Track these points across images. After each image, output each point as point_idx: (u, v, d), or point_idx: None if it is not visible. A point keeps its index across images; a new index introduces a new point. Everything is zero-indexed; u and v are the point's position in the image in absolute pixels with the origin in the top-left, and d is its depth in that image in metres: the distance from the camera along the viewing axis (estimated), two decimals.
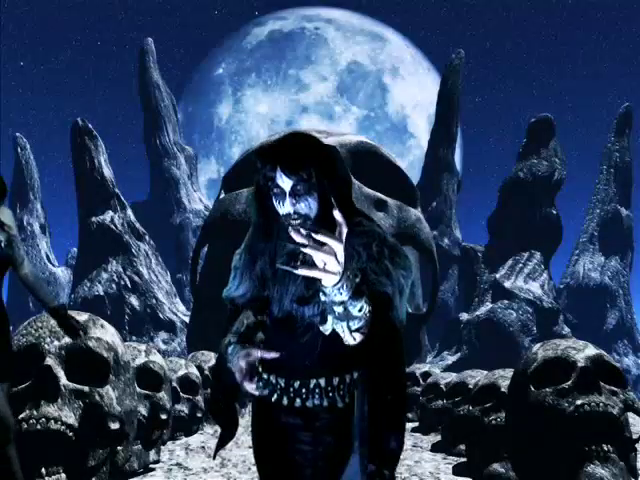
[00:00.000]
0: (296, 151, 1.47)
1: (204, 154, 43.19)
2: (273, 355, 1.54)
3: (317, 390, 1.54)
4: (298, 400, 1.55)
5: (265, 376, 1.60)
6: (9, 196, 26.12)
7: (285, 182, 1.45)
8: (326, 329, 1.40)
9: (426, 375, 7.77)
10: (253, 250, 1.65)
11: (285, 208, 1.48)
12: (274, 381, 1.58)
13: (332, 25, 47.43)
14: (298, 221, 1.47)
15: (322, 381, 1.54)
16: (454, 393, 5.74)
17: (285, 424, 1.58)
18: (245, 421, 1.81)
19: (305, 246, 1.30)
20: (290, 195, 1.46)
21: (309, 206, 1.48)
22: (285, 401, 1.56)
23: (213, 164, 45.64)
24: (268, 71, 46.38)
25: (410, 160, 42.16)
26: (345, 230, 1.41)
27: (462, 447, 5.20)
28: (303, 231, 1.43)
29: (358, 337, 1.39)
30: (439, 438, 6.05)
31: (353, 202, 1.62)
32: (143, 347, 4.88)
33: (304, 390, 1.54)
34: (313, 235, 1.30)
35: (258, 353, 1.55)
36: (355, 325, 1.37)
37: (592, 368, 3.47)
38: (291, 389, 1.56)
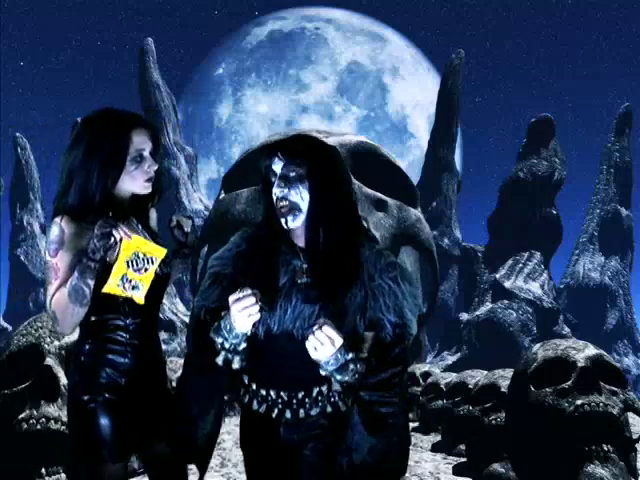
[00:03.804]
0: (293, 141, 1.55)
1: (204, 154, 43.12)
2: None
3: (320, 397, 1.52)
4: (302, 411, 1.52)
5: (263, 392, 1.55)
6: (9, 196, 25.95)
7: (277, 165, 1.51)
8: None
9: (426, 375, 7.77)
10: (248, 259, 1.58)
11: (274, 193, 1.52)
12: (274, 396, 1.54)
13: (332, 25, 47.41)
14: (286, 207, 1.49)
15: (324, 388, 1.52)
16: (454, 393, 5.74)
17: (285, 438, 1.55)
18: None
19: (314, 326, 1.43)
20: (280, 178, 1.50)
21: (300, 196, 1.50)
22: (288, 414, 1.53)
23: (213, 164, 45.59)
24: (268, 71, 46.36)
25: (410, 160, 42.14)
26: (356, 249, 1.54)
27: (462, 447, 5.20)
28: (290, 219, 1.50)
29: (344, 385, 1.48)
30: (439, 438, 6.04)
31: (355, 204, 1.63)
32: None
33: (307, 400, 1.52)
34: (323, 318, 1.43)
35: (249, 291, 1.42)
36: (344, 381, 1.47)
37: (592, 368, 3.46)
38: (294, 401, 1.52)
